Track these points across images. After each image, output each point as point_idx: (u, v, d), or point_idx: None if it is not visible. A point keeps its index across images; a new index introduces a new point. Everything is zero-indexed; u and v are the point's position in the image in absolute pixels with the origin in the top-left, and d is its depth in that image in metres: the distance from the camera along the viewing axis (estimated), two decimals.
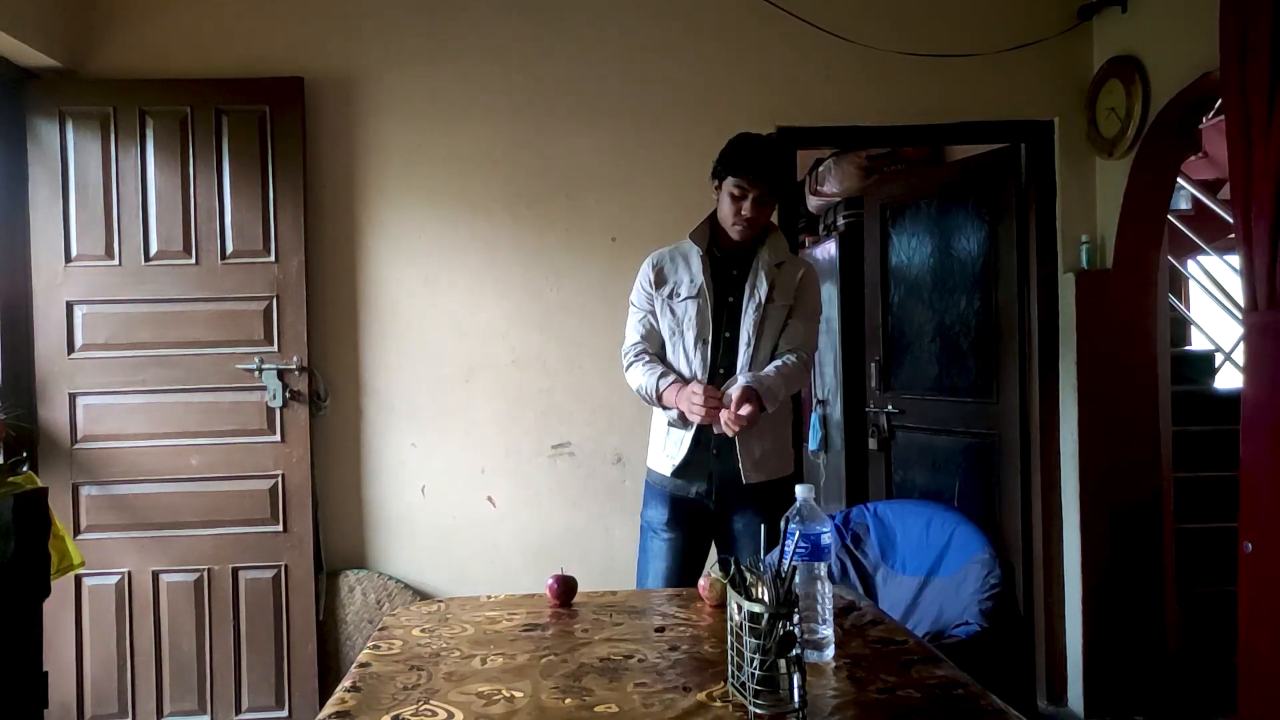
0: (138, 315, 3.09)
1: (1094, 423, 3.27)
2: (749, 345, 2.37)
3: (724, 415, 2.23)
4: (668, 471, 2.43)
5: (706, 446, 2.38)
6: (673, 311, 2.44)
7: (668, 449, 2.44)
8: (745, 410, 2.19)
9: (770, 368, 2.35)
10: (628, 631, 1.67)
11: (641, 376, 2.41)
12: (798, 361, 2.39)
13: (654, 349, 2.47)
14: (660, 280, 2.46)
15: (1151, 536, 3.30)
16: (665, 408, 2.39)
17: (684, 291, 2.42)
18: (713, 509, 2.44)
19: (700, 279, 2.40)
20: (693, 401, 2.27)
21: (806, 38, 3.24)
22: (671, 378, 2.37)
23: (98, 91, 3.08)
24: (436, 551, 3.28)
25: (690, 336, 2.40)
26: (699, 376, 2.38)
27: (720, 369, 2.41)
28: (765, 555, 1.45)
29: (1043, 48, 3.28)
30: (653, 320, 2.48)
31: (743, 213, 2.32)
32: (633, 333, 2.51)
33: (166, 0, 3.18)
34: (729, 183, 2.33)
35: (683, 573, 2.42)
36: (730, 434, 2.26)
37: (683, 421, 2.36)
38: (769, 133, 2.36)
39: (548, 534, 3.27)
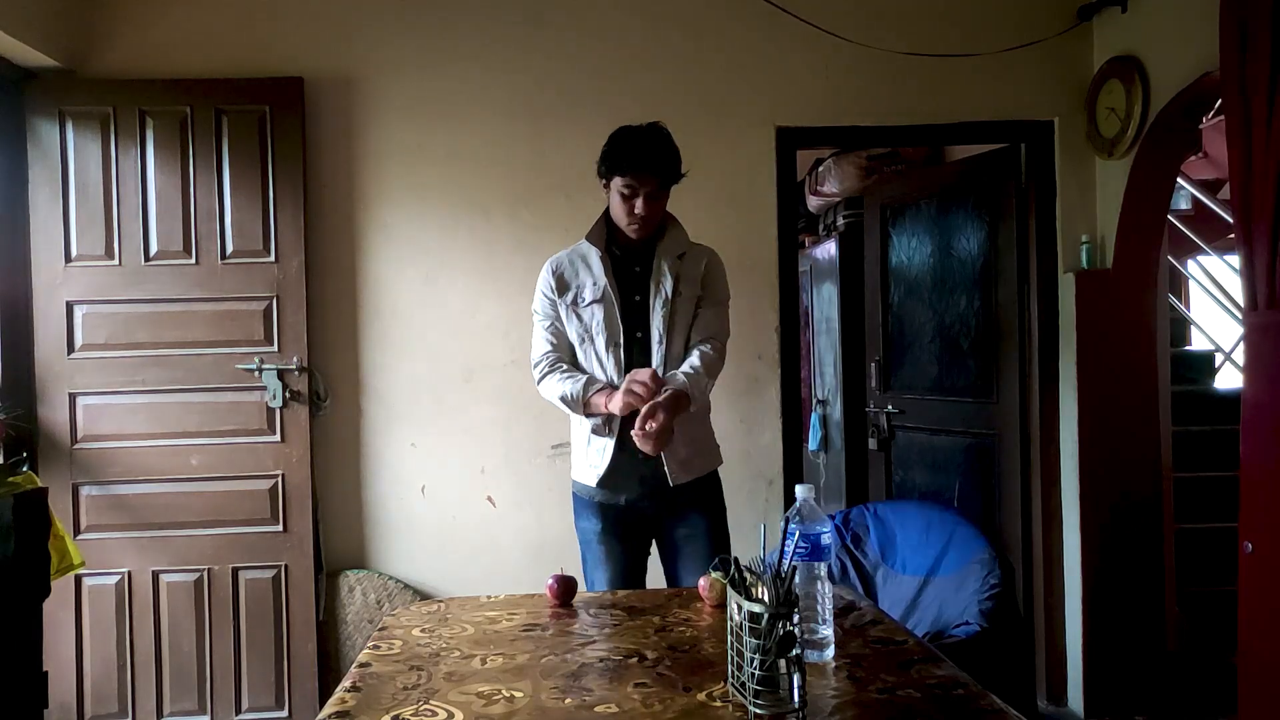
0: (138, 315, 3.09)
1: (1094, 423, 3.27)
2: (661, 342, 2.29)
3: (635, 434, 2.12)
4: (593, 482, 2.34)
5: (632, 453, 2.25)
6: (579, 317, 2.35)
7: (590, 458, 2.35)
8: (652, 426, 2.10)
9: (688, 364, 2.27)
10: (628, 631, 1.67)
11: (563, 385, 2.28)
12: (713, 352, 2.32)
13: (565, 357, 2.37)
14: (562, 287, 2.36)
15: (1151, 536, 3.30)
16: (589, 415, 2.30)
17: (588, 295, 2.33)
18: (650, 513, 2.36)
19: (603, 281, 2.32)
20: (633, 386, 2.15)
21: (806, 38, 3.24)
22: (599, 384, 2.27)
23: (98, 91, 3.08)
24: (436, 551, 3.28)
25: (601, 341, 2.32)
26: (615, 381, 2.28)
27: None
28: (765, 555, 1.45)
29: (1043, 48, 3.28)
30: (559, 327, 2.38)
31: (636, 211, 2.24)
32: (541, 343, 2.39)
33: (166, 0, 3.18)
34: (617, 182, 2.24)
35: (627, 578, 2.36)
36: (648, 450, 2.15)
37: (606, 428, 2.29)
38: (650, 123, 2.23)
39: (547, 534, 3.26)
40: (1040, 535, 3.41)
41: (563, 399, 2.29)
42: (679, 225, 2.40)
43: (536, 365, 2.38)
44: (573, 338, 2.36)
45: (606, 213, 2.36)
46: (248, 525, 3.11)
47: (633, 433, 2.13)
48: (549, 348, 2.38)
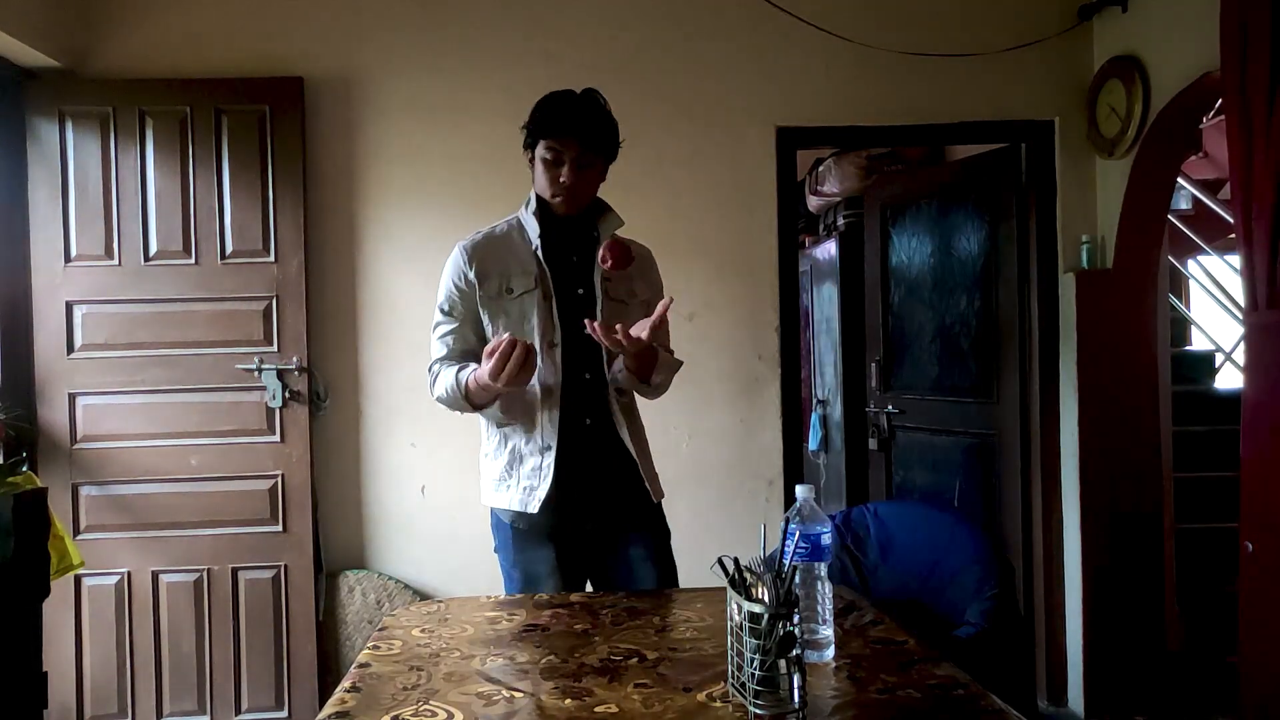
0: (137, 315, 3.08)
1: (1094, 423, 3.27)
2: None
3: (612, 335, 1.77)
4: (533, 509, 1.98)
5: (589, 467, 1.98)
6: (506, 312, 1.99)
7: (521, 479, 2.00)
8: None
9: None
10: (628, 631, 1.67)
11: (444, 381, 1.96)
12: (674, 360, 2.10)
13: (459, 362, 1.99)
14: (483, 275, 1.99)
15: (1151, 536, 3.30)
16: (478, 406, 1.96)
17: (518, 286, 1.98)
18: (595, 539, 2.07)
19: (534, 269, 1.99)
20: (493, 357, 1.76)
21: (806, 38, 3.24)
22: (472, 365, 1.92)
23: (98, 91, 3.08)
24: (436, 551, 3.27)
25: (536, 340, 1.95)
26: (550, 384, 1.97)
27: (585, 374, 2.01)
28: (765, 555, 1.45)
29: (1043, 48, 3.28)
30: (469, 332, 2.01)
31: (561, 180, 1.94)
32: (439, 349, 2.02)
33: (166, 0, 3.18)
34: (540, 149, 1.97)
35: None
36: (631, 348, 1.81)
37: (519, 411, 1.97)
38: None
39: None
40: (1040, 535, 3.41)
41: (444, 398, 1.97)
42: (614, 214, 2.09)
43: (429, 371, 2.02)
44: (493, 336, 1.95)
45: (533, 192, 2.05)
46: (247, 525, 3.11)
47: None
48: (444, 352, 2.01)
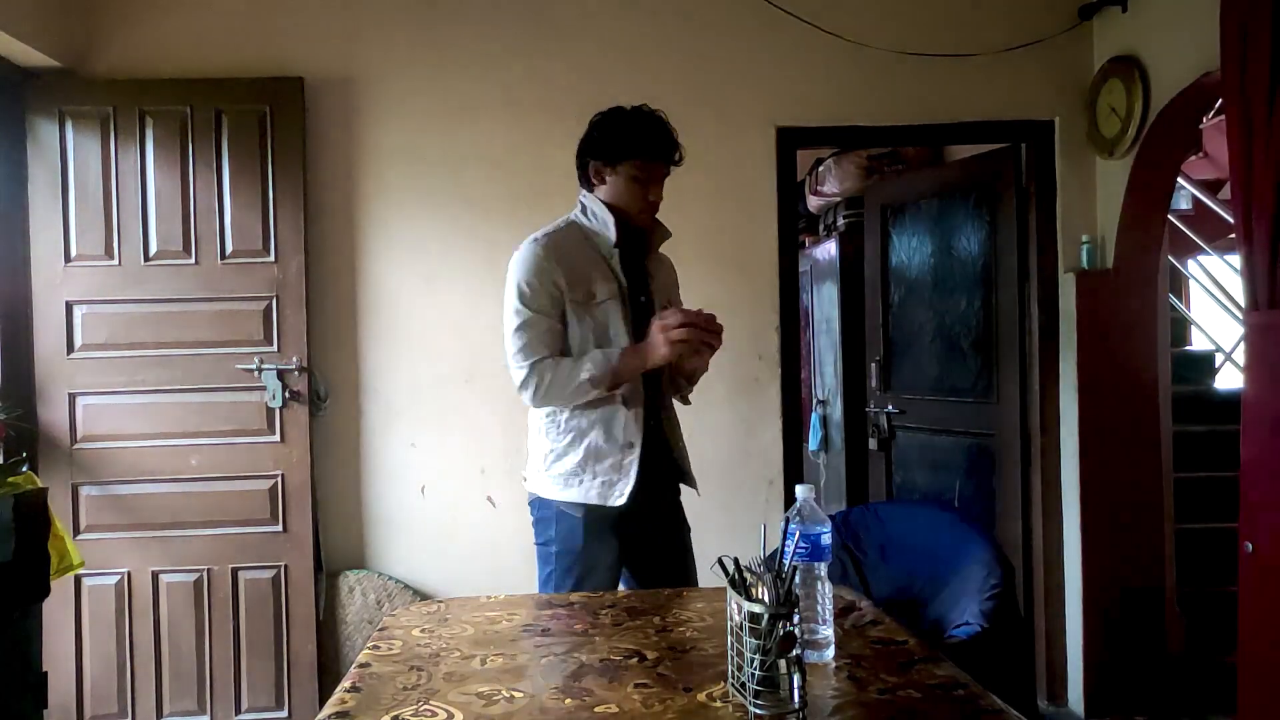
0: (137, 315, 3.08)
1: (1094, 423, 3.27)
2: None
3: (676, 334, 1.95)
4: (614, 502, 2.07)
5: (657, 465, 2.12)
6: (592, 318, 2.08)
7: (599, 474, 2.08)
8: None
9: None
10: (628, 631, 1.67)
11: (566, 372, 2.02)
12: None
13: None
14: (570, 279, 2.06)
15: (1151, 537, 3.30)
16: (613, 388, 2.03)
17: (601, 293, 2.08)
18: (653, 533, 2.21)
19: (613, 277, 2.10)
20: (672, 323, 1.95)
21: (806, 38, 3.24)
22: (601, 350, 2.03)
23: (98, 91, 3.08)
24: (436, 551, 3.28)
25: (618, 347, 2.06)
26: (635, 385, 2.08)
27: (654, 377, 2.15)
28: (765, 555, 1.45)
29: (1043, 48, 3.28)
30: (561, 331, 2.07)
31: (650, 198, 2.09)
32: (538, 347, 2.04)
33: (167, 0, 3.18)
34: (627, 167, 2.07)
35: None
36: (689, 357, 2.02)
37: (601, 410, 2.05)
38: (645, 106, 2.11)
39: None
40: (1040, 535, 3.41)
41: (554, 392, 2.03)
42: (664, 225, 2.26)
43: (523, 366, 2.05)
44: (574, 344, 2.07)
45: (599, 200, 2.13)
46: (247, 525, 3.11)
47: (673, 332, 1.95)
48: (545, 351, 2.05)
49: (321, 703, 2.21)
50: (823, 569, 1.48)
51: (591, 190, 2.17)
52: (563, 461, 2.13)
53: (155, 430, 3.09)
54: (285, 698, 3.12)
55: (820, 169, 4.72)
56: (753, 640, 1.25)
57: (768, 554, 1.45)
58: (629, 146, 2.08)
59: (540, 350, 2.05)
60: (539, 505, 2.19)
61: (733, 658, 1.33)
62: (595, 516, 2.11)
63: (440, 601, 1.93)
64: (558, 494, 2.13)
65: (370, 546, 3.28)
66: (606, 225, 2.11)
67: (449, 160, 3.26)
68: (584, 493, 2.10)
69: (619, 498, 2.07)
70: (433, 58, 3.25)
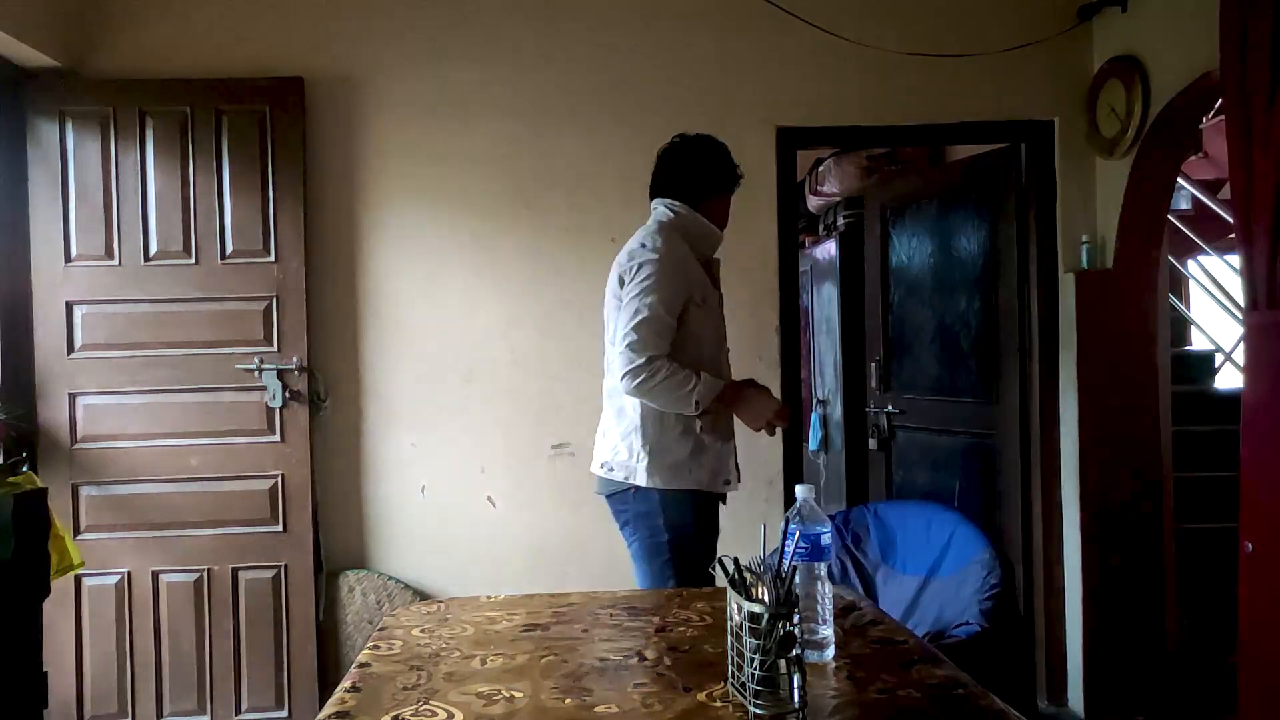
0: (138, 315, 3.08)
1: (1094, 423, 3.27)
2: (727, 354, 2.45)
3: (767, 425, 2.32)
4: (719, 489, 2.36)
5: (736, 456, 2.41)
6: (709, 321, 2.32)
7: (706, 463, 2.30)
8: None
9: None
10: (628, 631, 1.67)
11: (679, 380, 2.17)
12: None
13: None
14: (696, 280, 2.29)
15: (1152, 536, 3.30)
16: (705, 411, 2.22)
17: (709, 300, 2.32)
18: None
19: (712, 286, 2.36)
20: (784, 417, 2.32)
21: (806, 38, 3.23)
22: (708, 378, 2.21)
23: (98, 91, 3.08)
24: (436, 552, 3.28)
25: (720, 350, 2.38)
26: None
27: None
28: (765, 555, 1.45)
29: (1043, 48, 3.28)
30: (674, 330, 2.24)
31: (728, 217, 2.41)
32: (662, 344, 2.19)
33: (166, 0, 3.18)
34: (728, 193, 2.41)
35: None
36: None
37: (712, 428, 2.28)
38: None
39: (548, 534, 3.26)
40: (1040, 535, 3.41)
41: (660, 392, 2.17)
42: None
43: (648, 363, 2.16)
44: (690, 340, 2.25)
45: (693, 217, 2.37)
46: (247, 525, 3.11)
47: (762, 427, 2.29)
48: (666, 350, 2.20)
49: (321, 703, 2.21)
50: (823, 569, 1.48)
51: (694, 207, 2.36)
52: (675, 451, 2.28)
53: (155, 430, 3.09)
54: (285, 698, 3.12)
55: (820, 169, 4.72)
56: (753, 640, 1.25)
57: (768, 554, 1.45)
58: (734, 177, 2.42)
59: (661, 348, 2.19)
60: (639, 498, 2.29)
61: (733, 658, 1.32)
62: (704, 502, 2.32)
63: (440, 601, 1.93)
64: (668, 483, 2.27)
65: (370, 546, 3.28)
66: (710, 235, 2.37)
67: (449, 160, 3.26)
68: (696, 479, 2.28)
69: (721, 484, 2.33)
70: (433, 58, 3.25)
